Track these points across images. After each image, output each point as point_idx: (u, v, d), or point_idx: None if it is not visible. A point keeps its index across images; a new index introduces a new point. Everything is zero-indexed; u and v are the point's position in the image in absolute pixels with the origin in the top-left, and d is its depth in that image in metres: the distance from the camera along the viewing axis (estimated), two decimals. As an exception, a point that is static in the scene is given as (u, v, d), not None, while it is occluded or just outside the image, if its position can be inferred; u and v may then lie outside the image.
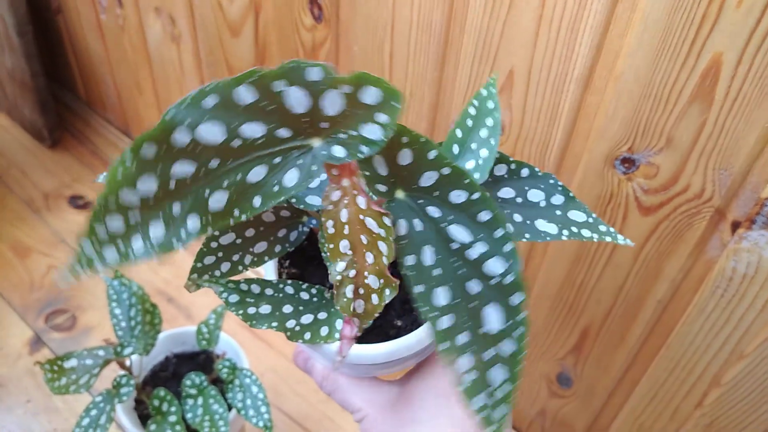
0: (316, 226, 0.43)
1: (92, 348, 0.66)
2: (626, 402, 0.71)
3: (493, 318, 0.32)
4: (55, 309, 1.05)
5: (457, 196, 0.33)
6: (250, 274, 0.82)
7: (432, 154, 0.33)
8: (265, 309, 0.39)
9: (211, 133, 0.30)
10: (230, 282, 0.40)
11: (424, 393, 0.42)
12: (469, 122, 0.43)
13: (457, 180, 0.33)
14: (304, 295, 0.41)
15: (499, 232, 0.32)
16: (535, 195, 0.42)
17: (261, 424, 0.65)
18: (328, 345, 0.40)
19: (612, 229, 0.41)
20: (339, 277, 0.35)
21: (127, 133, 1.29)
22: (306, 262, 0.46)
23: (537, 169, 0.42)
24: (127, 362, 0.68)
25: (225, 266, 0.41)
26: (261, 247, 0.42)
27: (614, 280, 0.63)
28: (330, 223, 0.34)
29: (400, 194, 0.35)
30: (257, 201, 0.31)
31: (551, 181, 0.42)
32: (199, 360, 0.78)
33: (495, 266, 0.32)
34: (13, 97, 1.29)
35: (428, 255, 0.34)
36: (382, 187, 0.34)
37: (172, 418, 0.65)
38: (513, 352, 0.32)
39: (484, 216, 0.32)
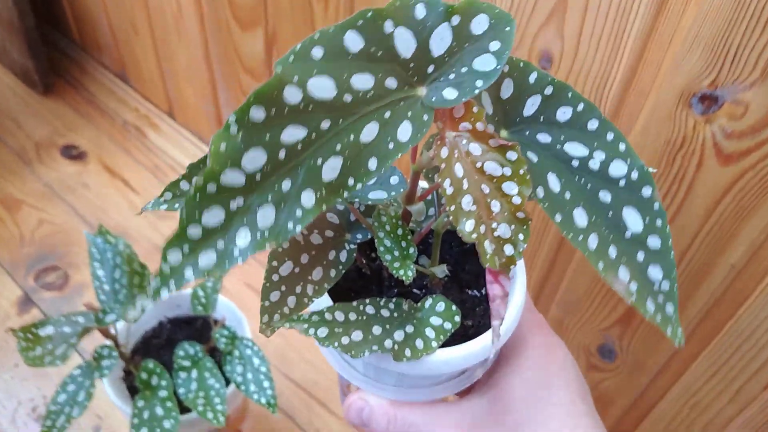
0: (363, 240, 0.41)
1: (71, 313, 0.57)
2: (679, 379, 0.62)
3: (632, 219, 0.32)
4: (46, 266, 0.98)
5: (563, 113, 0.33)
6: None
7: (533, 77, 0.33)
8: (357, 335, 0.37)
9: (323, 87, 0.28)
10: (314, 315, 0.37)
11: (521, 391, 0.39)
12: None
13: (561, 95, 0.33)
14: (385, 312, 0.39)
15: (610, 135, 0.32)
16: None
17: (263, 400, 0.57)
18: (430, 357, 0.37)
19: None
20: (474, 236, 0.32)
21: (123, 78, 1.19)
22: (346, 297, 0.41)
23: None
24: (112, 330, 0.60)
25: (291, 301, 0.39)
26: (318, 273, 0.39)
27: (678, 241, 0.53)
28: (447, 182, 0.31)
29: (504, 134, 0.34)
30: (373, 163, 0.29)
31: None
32: (197, 325, 0.70)
33: (618, 168, 0.32)
34: (0, 40, 1.19)
35: (554, 181, 0.33)
36: (490, 128, 0.31)
37: (163, 393, 0.57)
38: (661, 245, 0.32)
39: (593, 124, 0.32)
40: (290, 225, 0.28)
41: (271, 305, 0.38)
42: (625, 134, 0.48)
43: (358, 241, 0.41)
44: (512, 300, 0.39)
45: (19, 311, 0.93)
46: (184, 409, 0.60)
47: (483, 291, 0.43)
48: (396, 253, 0.38)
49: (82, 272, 0.97)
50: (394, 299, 0.39)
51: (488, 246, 0.32)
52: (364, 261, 0.44)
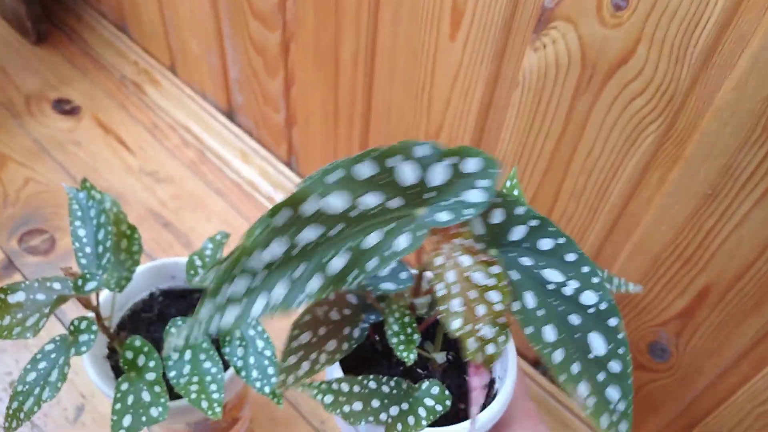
0: (375, 321, 0.47)
1: (46, 279, 0.49)
2: (744, 384, 0.54)
3: (597, 343, 0.36)
4: (31, 228, 0.89)
5: (545, 244, 0.37)
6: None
7: (520, 210, 0.38)
8: (357, 406, 0.42)
9: (336, 202, 0.35)
10: (323, 383, 0.42)
11: None
12: None
13: (544, 229, 0.37)
14: (385, 389, 0.44)
15: (585, 269, 0.37)
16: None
17: (267, 390, 0.49)
18: None
19: (623, 279, 0.47)
20: (458, 333, 0.37)
21: (123, 29, 1.10)
22: (357, 368, 0.49)
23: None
24: (94, 300, 0.51)
25: (305, 365, 0.44)
26: (332, 345, 0.45)
27: (764, 227, 0.45)
28: (440, 286, 0.37)
29: (493, 252, 0.39)
30: (372, 264, 0.35)
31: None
32: (192, 300, 0.61)
33: (589, 298, 0.36)
34: (-9, -19, 1.10)
35: (530, 299, 0.37)
36: (480, 246, 0.38)
37: (150, 376, 0.49)
38: (621, 370, 0.36)
39: (571, 257, 0.37)
40: (296, 302, 0.34)
41: (288, 367, 0.44)
42: (716, 84, 0.43)
43: (371, 321, 0.47)
44: (503, 387, 0.45)
45: (1, 276, 0.85)
46: (174, 395, 0.52)
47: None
48: (402, 338, 0.44)
49: (70, 237, 0.88)
50: (394, 378, 0.45)
51: (472, 343, 0.37)
52: (377, 338, 0.51)
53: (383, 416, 0.43)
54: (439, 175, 0.36)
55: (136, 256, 0.53)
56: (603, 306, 0.36)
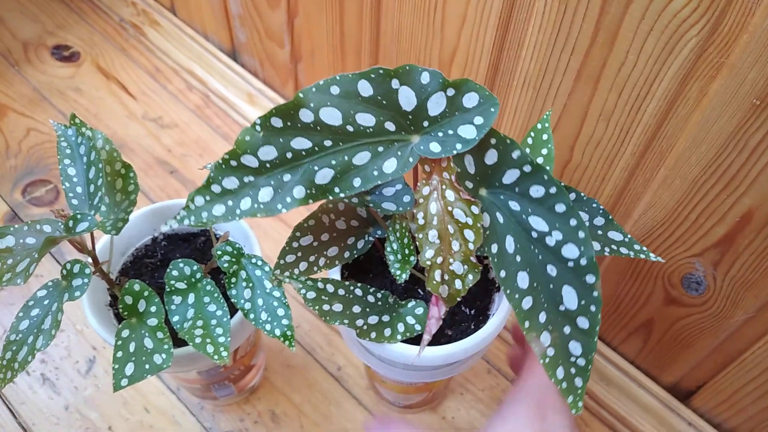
0: (381, 236, 0.49)
1: (35, 221, 0.46)
2: (788, 318, 0.50)
3: (569, 297, 0.37)
4: (35, 179, 0.86)
5: (536, 191, 0.37)
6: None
7: (516, 154, 0.37)
8: (337, 307, 0.44)
9: (332, 116, 0.37)
10: (309, 280, 0.44)
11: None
12: (527, 150, 0.45)
13: (537, 176, 0.37)
14: (371, 298, 0.46)
15: (573, 221, 0.36)
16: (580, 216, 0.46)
17: (278, 332, 0.46)
18: (391, 346, 0.46)
19: (645, 248, 0.45)
20: (429, 263, 0.40)
21: (120, -30, 1.05)
22: (362, 274, 0.52)
23: (583, 194, 0.45)
24: (89, 244, 0.48)
25: (303, 265, 0.46)
26: (333, 251, 0.47)
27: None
28: (420, 214, 0.39)
29: (483, 192, 0.40)
30: (357, 182, 0.38)
31: (594, 205, 0.45)
32: (197, 244, 0.58)
33: (571, 251, 0.36)
34: None
35: (510, 243, 0.39)
36: (469, 184, 0.39)
37: (152, 322, 0.46)
38: (588, 327, 0.36)
39: (560, 208, 0.37)
40: (279, 206, 0.37)
41: (284, 264, 0.46)
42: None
43: (377, 236, 0.49)
44: (481, 329, 0.47)
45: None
46: (179, 342, 0.49)
47: (473, 310, 0.51)
48: (399, 256, 0.45)
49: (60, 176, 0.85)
50: (382, 291, 0.47)
51: (438, 275, 0.40)
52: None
53: (359, 322, 0.44)
54: (438, 104, 0.37)
55: (133, 196, 0.50)
56: (583, 261, 0.36)
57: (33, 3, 1.06)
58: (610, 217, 0.45)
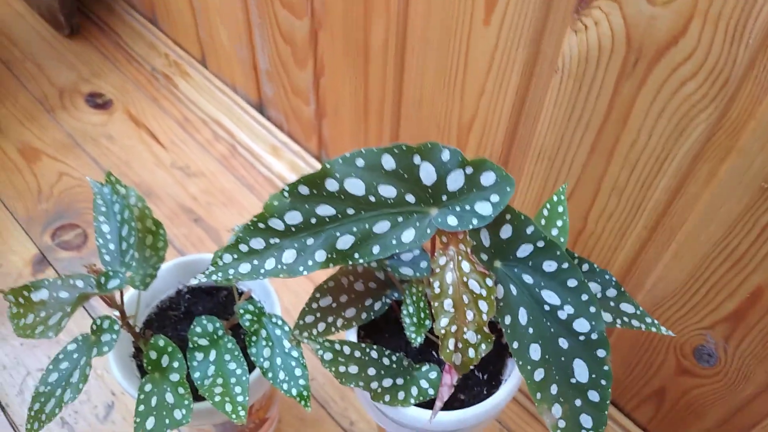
0: (398, 299, 0.50)
1: (69, 276, 0.48)
2: (800, 393, 0.51)
3: (580, 370, 0.38)
4: (64, 223, 0.89)
5: (549, 266, 0.39)
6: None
7: (530, 230, 0.39)
8: (353, 369, 0.46)
9: (356, 186, 0.39)
10: (327, 341, 0.46)
11: None
12: (542, 222, 0.48)
13: (550, 251, 0.39)
14: (386, 361, 0.48)
15: (584, 296, 0.38)
16: (593, 288, 0.46)
17: (294, 392, 0.47)
18: (404, 409, 0.47)
19: (656, 321, 0.46)
20: (443, 331, 0.40)
21: (153, 22, 1.09)
22: (378, 334, 0.53)
23: (596, 265, 0.46)
24: (118, 298, 0.50)
25: (321, 326, 0.48)
26: (351, 312, 0.49)
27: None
28: (437, 283, 0.41)
29: (497, 264, 0.41)
30: (376, 249, 0.40)
31: (606, 276, 0.46)
32: (220, 298, 0.60)
33: (582, 325, 0.38)
34: (25, -24, 1.10)
35: (523, 315, 0.40)
36: (484, 257, 0.41)
37: (174, 377, 0.48)
38: (599, 400, 0.38)
39: (572, 282, 0.38)
40: (301, 268, 0.39)
41: (304, 324, 0.47)
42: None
43: (394, 298, 0.50)
44: (493, 396, 0.48)
45: (33, 271, 0.85)
46: (199, 397, 0.51)
47: (486, 375, 0.52)
48: (414, 320, 0.47)
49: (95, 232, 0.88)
50: (397, 354, 0.48)
51: (451, 343, 0.41)
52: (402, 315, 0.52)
53: (374, 384, 0.46)
54: (457, 181, 0.39)
55: (161, 253, 0.52)
56: (594, 336, 0.38)
57: (70, 51, 1.11)
58: (623, 290, 0.46)
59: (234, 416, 0.45)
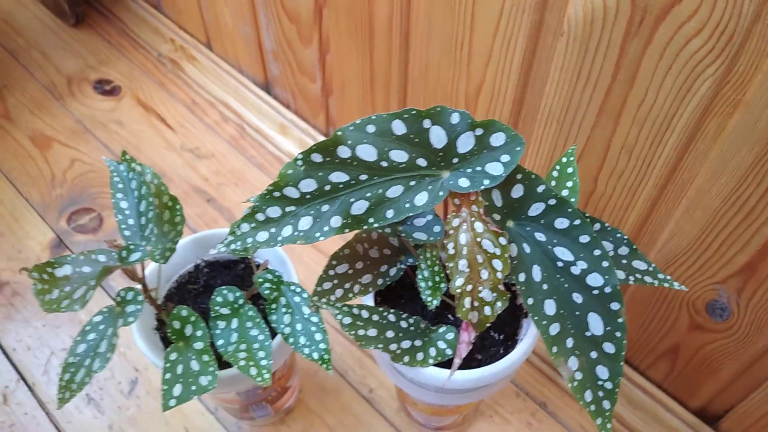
0: (413, 264, 0.51)
1: (91, 251, 0.49)
2: (812, 343, 0.51)
3: (595, 323, 0.40)
4: (80, 208, 0.91)
5: (561, 223, 0.40)
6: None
7: (541, 188, 0.40)
8: (372, 332, 0.47)
9: (367, 152, 0.40)
10: (345, 306, 0.47)
11: None
12: (552, 183, 0.49)
13: (562, 209, 0.40)
14: (403, 324, 0.49)
15: (597, 251, 0.39)
16: (605, 246, 0.46)
17: (315, 356, 0.49)
18: (423, 369, 0.48)
19: (669, 277, 0.46)
20: (459, 291, 0.41)
21: (157, 8, 1.10)
22: (394, 300, 0.55)
23: (607, 224, 0.46)
24: (139, 272, 0.51)
25: (338, 292, 0.49)
26: (367, 278, 0.50)
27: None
28: (450, 245, 0.41)
29: (510, 223, 0.42)
30: (390, 213, 0.41)
31: (618, 235, 0.46)
32: (237, 270, 0.61)
33: (595, 279, 0.39)
34: (28, -34, 1.11)
35: (537, 272, 0.41)
36: (496, 217, 0.42)
37: (198, 345, 0.49)
38: (614, 352, 0.39)
39: (584, 238, 0.40)
40: (318, 234, 0.40)
41: (322, 291, 0.49)
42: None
43: (409, 264, 0.52)
44: (511, 352, 0.49)
45: (52, 254, 0.86)
46: (223, 365, 0.52)
47: (502, 336, 0.53)
48: (430, 284, 0.47)
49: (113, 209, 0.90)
50: (414, 317, 0.50)
51: (468, 302, 0.42)
52: (416, 280, 0.53)
53: (393, 346, 0.47)
54: (467, 143, 0.40)
55: (179, 227, 0.53)
56: (607, 289, 0.39)
57: (75, 39, 1.12)
58: (634, 247, 0.47)
59: (259, 379, 0.46)
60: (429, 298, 0.48)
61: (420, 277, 0.48)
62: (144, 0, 1.12)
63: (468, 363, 0.50)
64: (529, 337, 0.50)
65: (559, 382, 0.73)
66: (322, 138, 0.92)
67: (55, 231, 0.88)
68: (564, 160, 0.49)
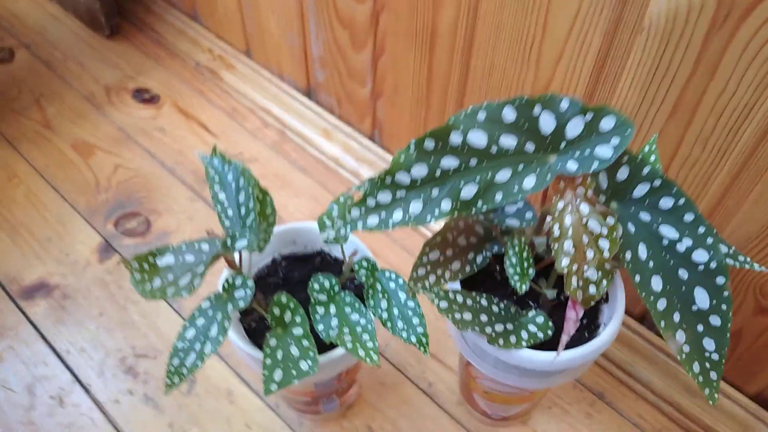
0: (496, 253, 0.54)
1: (192, 241, 0.51)
2: None
3: (701, 297, 0.41)
4: (126, 212, 0.92)
5: (665, 203, 0.42)
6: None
7: (646, 170, 0.42)
8: (467, 316, 0.49)
9: (478, 138, 0.42)
10: (441, 291, 0.50)
11: None
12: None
13: (666, 189, 0.42)
14: (495, 309, 0.52)
15: (702, 229, 0.41)
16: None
17: (413, 339, 0.50)
18: (518, 351, 0.50)
19: (749, 259, 0.49)
20: (565, 270, 0.44)
21: (195, 18, 1.12)
22: (476, 290, 0.55)
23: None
24: (238, 262, 0.53)
25: (431, 278, 0.51)
26: (456, 265, 0.52)
27: None
28: (556, 227, 0.43)
29: (614, 205, 0.44)
30: (499, 196, 0.42)
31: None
32: (314, 263, 0.63)
33: (700, 256, 0.41)
34: (64, -22, 1.13)
35: (643, 251, 0.43)
36: (601, 198, 0.43)
37: (297, 331, 0.51)
38: (720, 324, 0.41)
39: (689, 217, 0.41)
40: (429, 217, 0.42)
41: (417, 277, 0.51)
42: None
43: (494, 252, 0.53)
44: (603, 332, 0.52)
45: (100, 258, 0.87)
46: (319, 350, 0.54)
47: (585, 320, 0.55)
48: (518, 269, 0.49)
49: (165, 219, 0.91)
50: (505, 301, 0.52)
51: (575, 281, 0.44)
52: (498, 268, 0.57)
53: (488, 329, 0.49)
54: (576, 128, 0.41)
55: (272, 218, 0.54)
56: (713, 265, 0.41)
57: (111, 51, 1.13)
58: (715, 231, 0.49)
59: (368, 360, 0.48)
60: (517, 284, 0.49)
61: (508, 263, 0.50)
62: (180, 11, 1.14)
63: (551, 347, 0.52)
64: (615, 320, 0.52)
65: (615, 372, 0.75)
66: (367, 141, 0.95)
67: (103, 235, 0.89)
68: (646, 149, 0.52)
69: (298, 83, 1.00)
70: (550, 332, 0.51)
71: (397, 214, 0.43)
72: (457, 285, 0.54)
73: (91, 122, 1.03)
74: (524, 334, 0.50)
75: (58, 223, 0.91)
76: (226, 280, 0.50)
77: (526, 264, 0.50)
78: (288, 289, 0.59)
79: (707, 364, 0.42)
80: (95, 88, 1.08)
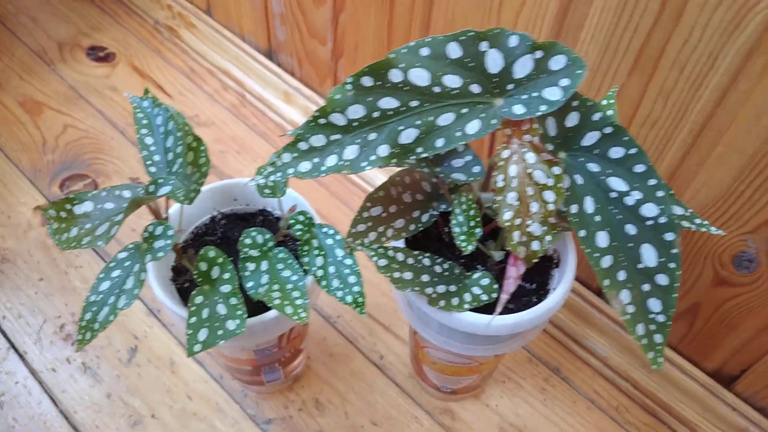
0: (443, 212, 0.50)
1: (114, 187, 0.47)
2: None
3: (648, 255, 0.39)
4: (73, 174, 0.87)
5: (616, 152, 0.39)
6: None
7: (597, 116, 0.40)
8: (407, 275, 0.46)
9: (420, 77, 0.38)
10: (380, 248, 0.46)
11: None
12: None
13: (618, 137, 0.39)
14: (438, 269, 0.48)
15: (652, 181, 0.38)
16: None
17: (349, 299, 0.47)
18: (459, 314, 0.47)
19: (706, 222, 0.46)
20: (508, 224, 0.40)
21: (154, -26, 1.07)
22: (423, 250, 0.52)
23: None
24: (163, 213, 0.49)
25: (372, 235, 0.47)
26: (400, 223, 0.49)
27: None
28: (500, 177, 0.40)
29: (562, 154, 0.41)
30: (440, 142, 0.39)
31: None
32: (256, 222, 0.59)
33: (650, 210, 0.38)
34: (18, -72, 1.07)
35: (589, 204, 0.40)
36: (549, 147, 0.41)
37: (225, 288, 0.47)
38: (668, 283, 0.38)
39: (639, 168, 0.39)
40: (364, 164, 0.38)
41: (356, 233, 0.47)
42: None
43: (441, 210, 0.50)
44: (549, 297, 0.49)
45: (43, 221, 0.83)
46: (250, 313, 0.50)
47: (534, 285, 0.52)
48: (464, 228, 0.46)
49: (113, 181, 0.86)
50: (449, 261, 0.49)
51: (517, 236, 0.40)
52: (446, 229, 0.54)
53: (429, 290, 0.46)
54: (524, 67, 0.38)
55: (204, 169, 0.51)
56: (662, 220, 0.38)
57: (64, 5, 1.08)
58: (672, 192, 0.46)
59: (296, 317, 0.44)
60: (463, 244, 0.46)
61: (454, 222, 0.47)
62: (139, -33, 1.09)
63: (501, 313, 0.49)
64: (564, 284, 0.49)
65: (572, 347, 0.72)
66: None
67: (47, 197, 0.85)
68: (604, 102, 0.48)
69: (259, 43, 0.95)
70: (494, 295, 0.48)
71: (331, 159, 0.39)
72: (401, 244, 0.51)
73: (41, 79, 0.98)
74: (467, 296, 0.47)
75: (0, 183, 0.86)
76: (146, 229, 0.46)
77: (473, 222, 0.47)
78: (226, 249, 0.55)
79: (652, 326, 0.39)
80: (47, 43, 1.02)
